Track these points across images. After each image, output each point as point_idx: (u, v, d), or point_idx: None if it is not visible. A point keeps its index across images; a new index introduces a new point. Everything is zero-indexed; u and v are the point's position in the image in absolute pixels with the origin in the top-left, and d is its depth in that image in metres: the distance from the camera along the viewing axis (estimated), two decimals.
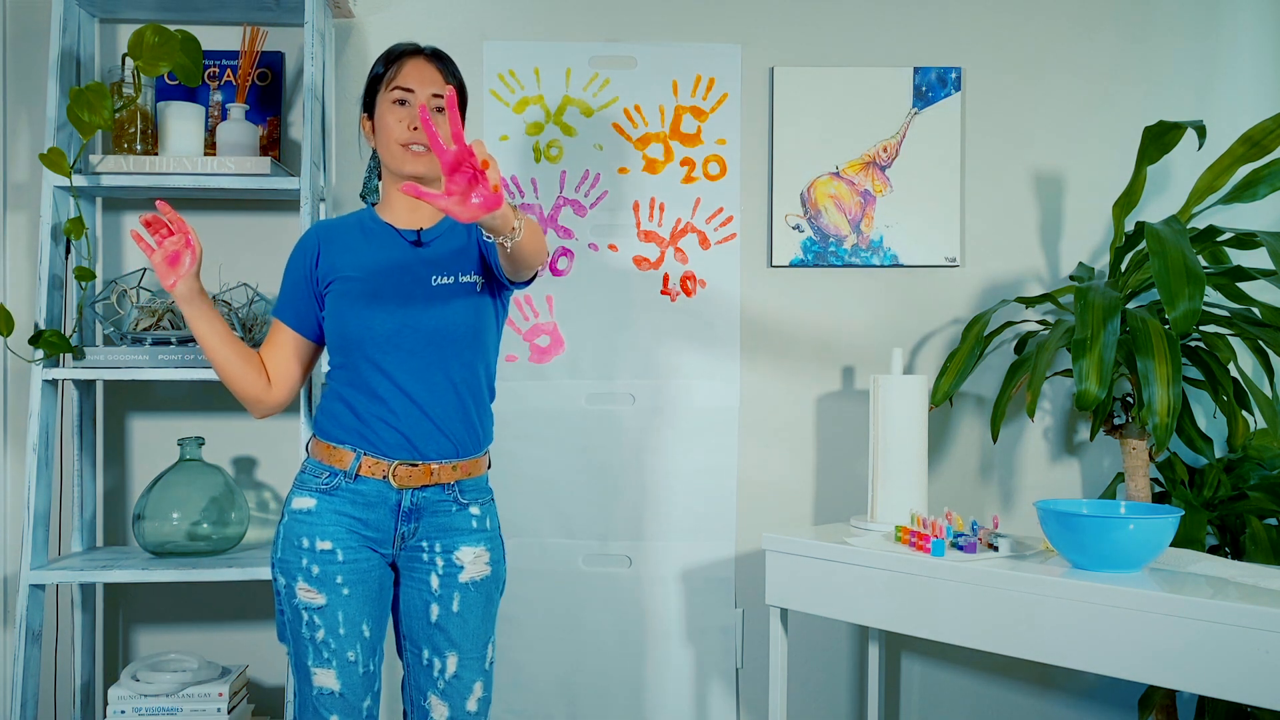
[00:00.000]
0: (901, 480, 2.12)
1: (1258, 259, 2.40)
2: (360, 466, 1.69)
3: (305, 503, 1.70)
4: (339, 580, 1.68)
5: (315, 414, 1.80)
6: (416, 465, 1.70)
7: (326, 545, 1.68)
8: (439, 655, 1.72)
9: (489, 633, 1.75)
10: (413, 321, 1.69)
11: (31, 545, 2.09)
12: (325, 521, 1.69)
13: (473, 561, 1.73)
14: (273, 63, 2.39)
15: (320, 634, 1.68)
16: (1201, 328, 2.16)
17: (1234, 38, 2.47)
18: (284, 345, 1.81)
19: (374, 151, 1.87)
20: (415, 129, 1.73)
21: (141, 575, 2.06)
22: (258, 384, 1.78)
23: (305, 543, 1.68)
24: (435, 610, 1.72)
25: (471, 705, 1.73)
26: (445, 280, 1.71)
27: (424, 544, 1.72)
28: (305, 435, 2.10)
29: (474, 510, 1.74)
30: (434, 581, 1.72)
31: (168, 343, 2.17)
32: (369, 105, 1.81)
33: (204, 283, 2.38)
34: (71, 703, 2.31)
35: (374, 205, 1.83)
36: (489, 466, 1.80)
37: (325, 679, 1.68)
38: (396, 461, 1.69)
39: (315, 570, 1.67)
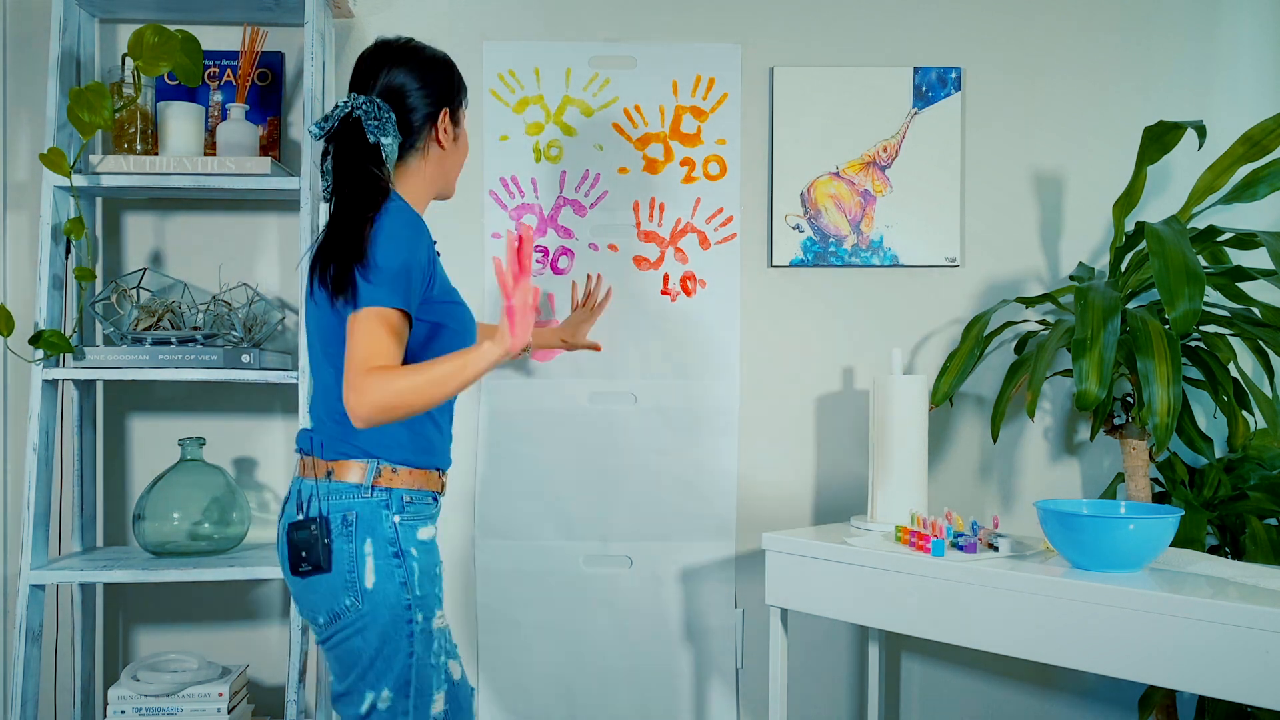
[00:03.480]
0: (901, 480, 2.12)
1: (1258, 259, 2.40)
2: (444, 485, 1.72)
3: (429, 532, 1.66)
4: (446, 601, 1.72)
5: (401, 439, 1.64)
6: (446, 475, 1.74)
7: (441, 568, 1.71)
8: None
9: None
10: None
11: (31, 545, 2.09)
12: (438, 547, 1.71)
13: None
14: (273, 63, 2.39)
15: (443, 658, 1.65)
16: (1201, 328, 2.16)
17: (1234, 38, 2.47)
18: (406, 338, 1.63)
19: (411, 131, 1.70)
20: None
21: (141, 575, 2.06)
22: None
23: (439, 570, 1.67)
24: None
25: None
26: None
27: None
28: None
29: None
30: None
31: (168, 343, 2.17)
32: (451, 105, 1.72)
33: (203, 283, 2.39)
34: (71, 703, 2.31)
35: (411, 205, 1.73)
36: None
37: (440, 704, 1.64)
38: (445, 473, 1.74)
39: (443, 596, 1.68)
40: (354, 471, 1.61)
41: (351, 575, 1.58)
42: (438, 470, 1.69)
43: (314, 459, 1.62)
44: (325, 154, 1.67)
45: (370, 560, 1.58)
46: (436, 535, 1.67)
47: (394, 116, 1.65)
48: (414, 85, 1.68)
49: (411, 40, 1.73)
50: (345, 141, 1.63)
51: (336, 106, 1.66)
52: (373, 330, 1.52)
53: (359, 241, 1.54)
